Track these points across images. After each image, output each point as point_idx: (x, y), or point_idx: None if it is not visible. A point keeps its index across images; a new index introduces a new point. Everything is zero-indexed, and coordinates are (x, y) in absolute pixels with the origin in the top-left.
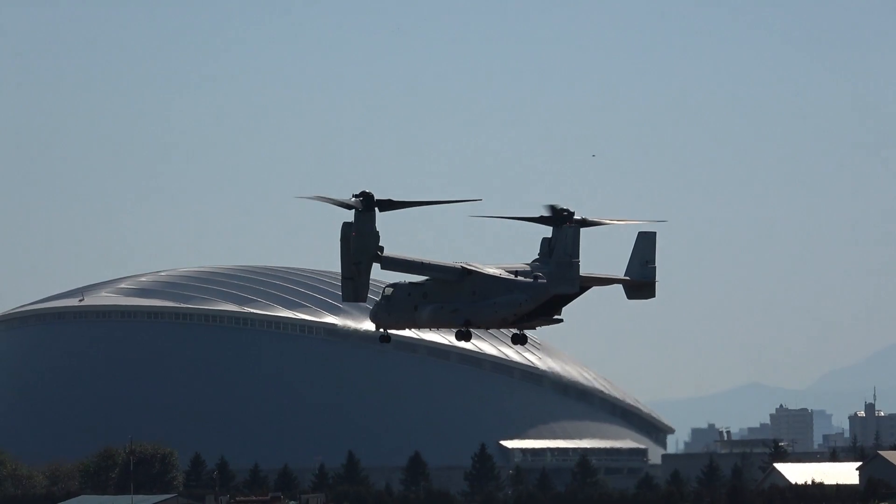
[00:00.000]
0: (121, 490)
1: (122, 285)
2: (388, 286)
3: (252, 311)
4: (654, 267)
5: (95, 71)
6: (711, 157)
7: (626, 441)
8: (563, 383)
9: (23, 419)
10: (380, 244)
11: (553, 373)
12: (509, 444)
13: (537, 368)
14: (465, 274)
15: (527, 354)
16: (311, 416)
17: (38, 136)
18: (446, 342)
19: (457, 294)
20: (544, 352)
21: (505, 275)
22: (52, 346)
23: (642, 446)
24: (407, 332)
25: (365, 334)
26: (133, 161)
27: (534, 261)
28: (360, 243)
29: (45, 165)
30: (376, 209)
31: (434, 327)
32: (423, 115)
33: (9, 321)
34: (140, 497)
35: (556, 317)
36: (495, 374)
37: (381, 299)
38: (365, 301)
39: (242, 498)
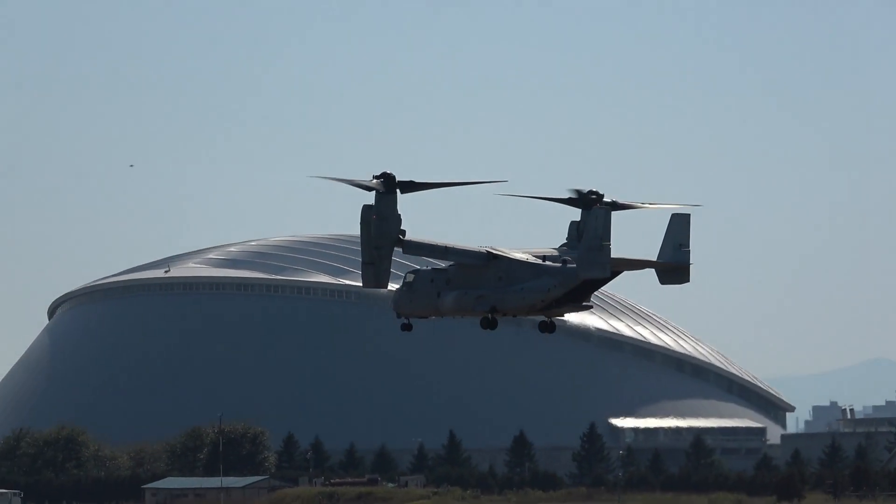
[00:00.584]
0: (209, 471)
1: (211, 255)
2: (409, 272)
3: (347, 282)
4: (688, 250)
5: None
6: (747, 138)
7: (744, 420)
8: (677, 359)
9: (107, 397)
10: (402, 228)
11: (665, 348)
12: (620, 422)
13: (649, 343)
14: (491, 258)
15: (638, 329)
16: (409, 395)
17: (125, 108)
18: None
19: (482, 279)
20: (657, 326)
21: (532, 259)
22: (138, 319)
23: (760, 425)
24: None
25: None
26: (219, 129)
27: (561, 245)
28: (381, 227)
29: (129, 135)
30: (398, 191)
31: (458, 314)
32: (448, 98)
33: (93, 293)
34: (230, 479)
35: (585, 303)
36: (605, 350)
37: (402, 286)
38: (386, 287)
39: (338, 480)
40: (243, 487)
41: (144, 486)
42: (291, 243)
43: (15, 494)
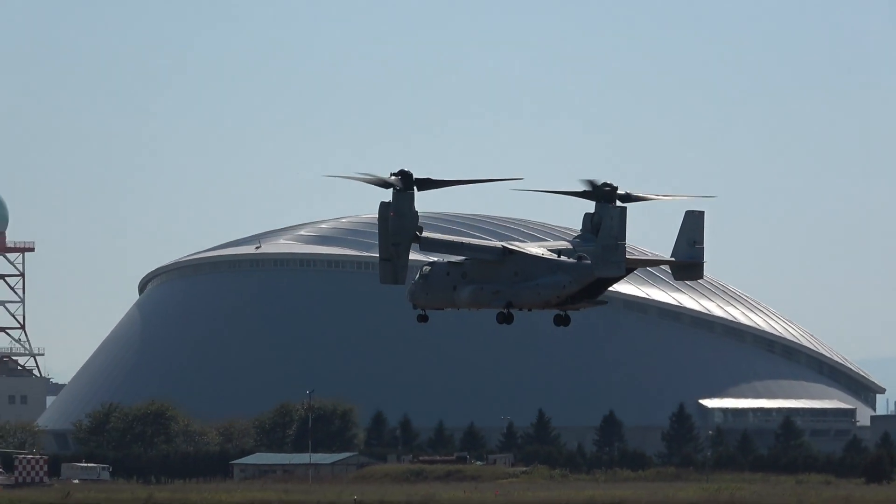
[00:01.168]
0: (298, 448)
1: (301, 232)
2: (425, 265)
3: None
4: (702, 247)
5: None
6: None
7: (834, 401)
8: (768, 339)
9: (196, 372)
10: (419, 224)
11: (756, 328)
12: (709, 403)
13: (739, 323)
14: (507, 254)
15: (728, 309)
16: (498, 373)
17: (218, 84)
18: (643, 295)
19: (497, 274)
20: (747, 306)
21: (548, 255)
22: (227, 295)
23: (851, 406)
24: None
25: None
26: (311, 107)
27: (575, 237)
28: (398, 224)
29: (220, 110)
30: (415, 188)
31: (474, 308)
32: (459, 94)
33: (183, 269)
34: (318, 455)
35: (599, 299)
36: (695, 330)
37: (418, 278)
38: (403, 283)
39: (426, 457)
40: (332, 464)
41: (233, 462)
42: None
43: (103, 469)
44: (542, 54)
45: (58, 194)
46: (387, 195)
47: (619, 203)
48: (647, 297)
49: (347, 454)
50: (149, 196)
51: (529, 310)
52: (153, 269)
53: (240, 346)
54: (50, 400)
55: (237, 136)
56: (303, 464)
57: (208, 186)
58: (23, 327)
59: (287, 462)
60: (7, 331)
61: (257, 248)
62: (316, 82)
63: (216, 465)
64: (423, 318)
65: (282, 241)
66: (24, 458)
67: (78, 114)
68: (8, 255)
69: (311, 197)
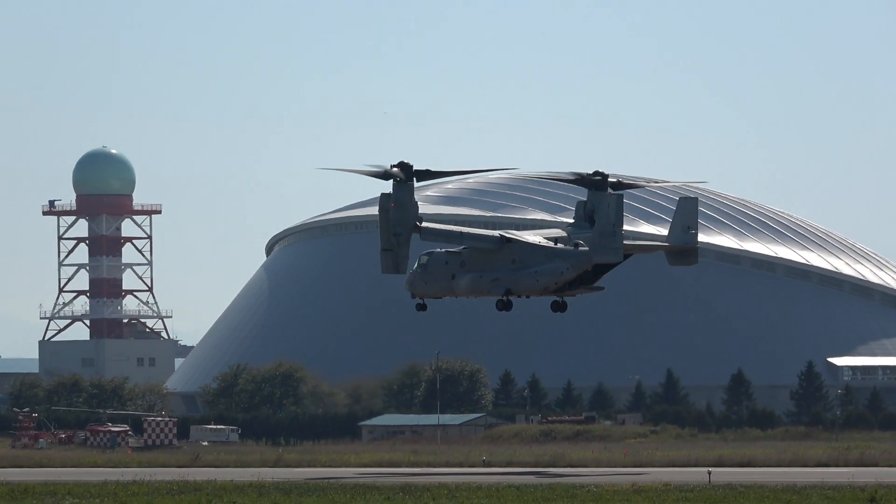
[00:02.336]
0: (426, 409)
1: (429, 193)
2: (423, 254)
3: (565, 220)
4: (696, 233)
5: None
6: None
7: None
8: None
9: (324, 333)
10: (419, 214)
11: (885, 286)
12: (838, 361)
13: (868, 281)
14: (505, 242)
15: (857, 267)
16: (627, 332)
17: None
18: (771, 253)
19: (496, 262)
20: (876, 264)
21: (545, 242)
22: (354, 257)
23: None
24: (729, 243)
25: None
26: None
27: (568, 226)
28: (399, 215)
29: (351, 73)
30: (414, 179)
31: (472, 296)
32: (459, 87)
33: (310, 230)
34: (447, 416)
35: (596, 285)
36: (823, 288)
37: (416, 267)
38: (405, 273)
39: (555, 417)
40: (460, 425)
41: (361, 423)
42: (509, 180)
43: (232, 430)
44: (542, 46)
45: (184, 156)
46: (387, 186)
47: (611, 191)
48: (774, 255)
49: (475, 415)
50: (276, 157)
51: (528, 296)
52: (280, 230)
53: (367, 306)
54: (178, 362)
55: (363, 97)
56: (431, 425)
57: (336, 147)
58: (150, 290)
59: (415, 423)
60: (135, 293)
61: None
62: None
63: (344, 427)
64: (421, 307)
65: None
66: (153, 420)
67: (204, 73)
68: (135, 217)
69: (439, 156)
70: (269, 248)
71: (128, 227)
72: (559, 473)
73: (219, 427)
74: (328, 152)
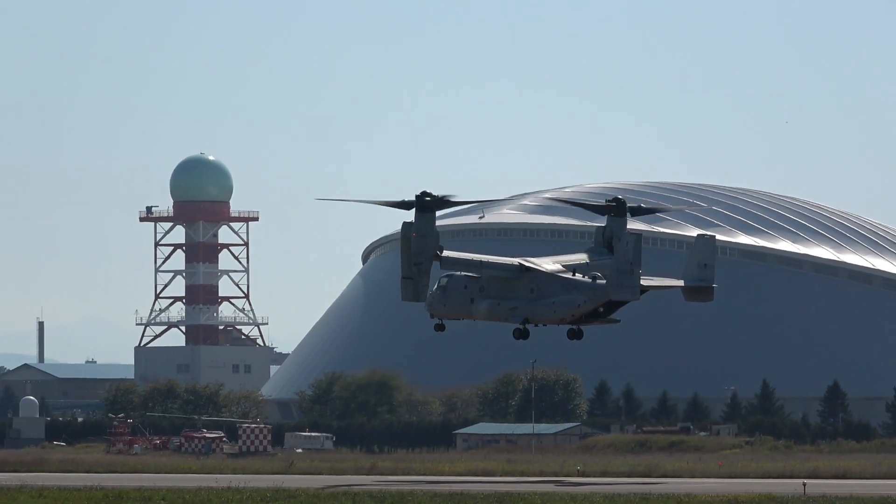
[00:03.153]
0: (521, 418)
1: (525, 202)
2: (443, 276)
3: (662, 229)
4: (712, 270)
5: None
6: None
7: None
8: None
9: (419, 342)
10: (439, 243)
11: None
12: None
13: None
14: (523, 271)
15: None
16: (722, 343)
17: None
18: (868, 265)
19: (514, 290)
20: None
21: (563, 272)
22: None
23: None
24: (827, 254)
25: (780, 254)
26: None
27: (588, 249)
28: (420, 244)
29: (453, 77)
30: (434, 209)
31: (490, 320)
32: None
33: None
34: (541, 425)
35: (612, 317)
36: None
37: (436, 289)
38: (424, 301)
39: (649, 428)
40: (554, 434)
41: (456, 432)
42: (605, 189)
43: (327, 438)
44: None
45: (282, 163)
46: (409, 216)
47: (630, 217)
48: (871, 266)
49: (570, 424)
50: (373, 165)
51: (545, 325)
52: (377, 238)
53: None
54: (273, 369)
55: (471, 104)
56: (525, 434)
57: (431, 155)
58: (247, 297)
59: (510, 432)
60: (231, 300)
61: (481, 217)
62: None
63: (439, 435)
64: (440, 328)
65: (505, 210)
66: (248, 427)
67: (303, 81)
68: (232, 224)
69: (534, 166)
70: (366, 256)
71: (224, 234)
72: (653, 483)
73: (313, 434)
74: (424, 160)
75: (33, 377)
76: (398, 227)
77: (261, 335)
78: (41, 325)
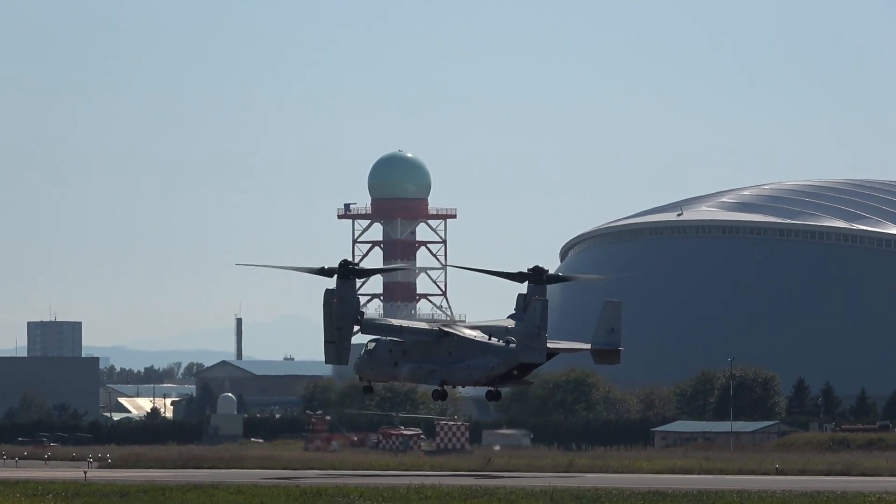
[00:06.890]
0: (719, 415)
1: (724, 199)
2: (370, 341)
3: (861, 227)
4: (619, 335)
5: None
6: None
7: None
8: None
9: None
10: (360, 309)
11: None
12: None
13: None
14: (443, 336)
15: None
16: None
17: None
18: None
19: (434, 353)
20: None
21: (480, 337)
22: (648, 262)
23: None
24: None
25: None
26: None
27: (509, 316)
28: (341, 310)
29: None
30: (356, 277)
31: (412, 382)
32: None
33: (604, 236)
34: (739, 423)
35: (526, 379)
36: None
37: (363, 353)
38: (347, 364)
39: (848, 426)
40: (753, 432)
41: (654, 429)
42: (806, 187)
43: (524, 435)
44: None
45: (479, 160)
46: (330, 283)
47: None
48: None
49: (768, 422)
50: (571, 163)
51: (463, 386)
52: (575, 235)
53: (660, 312)
54: None
55: (646, 105)
56: (724, 432)
57: (629, 153)
58: (444, 294)
59: (707, 430)
60: (429, 297)
61: (679, 215)
62: None
63: (637, 433)
64: (368, 390)
65: (704, 207)
66: (445, 424)
67: (500, 80)
68: (430, 221)
69: (734, 163)
70: (564, 254)
71: (422, 231)
72: (852, 482)
73: (511, 432)
74: (621, 159)
75: (231, 374)
76: (598, 224)
77: None
78: (239, 322)
